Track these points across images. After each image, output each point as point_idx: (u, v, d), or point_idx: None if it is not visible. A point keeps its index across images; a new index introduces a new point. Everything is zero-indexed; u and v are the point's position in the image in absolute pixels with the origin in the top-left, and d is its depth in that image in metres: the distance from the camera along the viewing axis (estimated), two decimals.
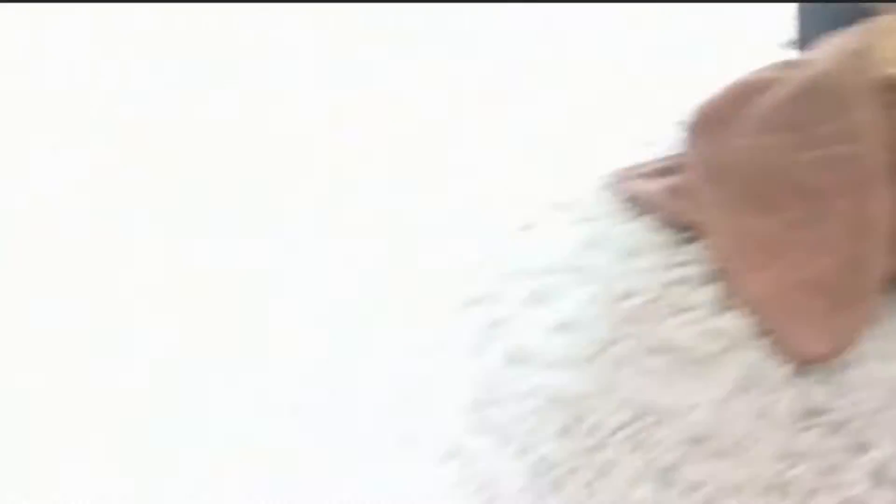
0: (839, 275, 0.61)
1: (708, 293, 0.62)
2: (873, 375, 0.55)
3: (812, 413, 0.54)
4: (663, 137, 0.79)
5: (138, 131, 0.93)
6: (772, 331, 0.59)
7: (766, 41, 0.91)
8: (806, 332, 0.58)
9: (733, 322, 0.60)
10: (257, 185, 0.83)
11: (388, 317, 0.66)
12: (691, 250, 0.67)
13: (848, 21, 0.72)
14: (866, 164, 0.62)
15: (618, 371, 0.57)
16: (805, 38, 0.90)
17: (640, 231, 0.70)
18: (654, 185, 0.74)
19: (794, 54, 0.90)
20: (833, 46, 0.71)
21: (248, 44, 1.09)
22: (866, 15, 0.72)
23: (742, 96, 0.72)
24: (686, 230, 0.69)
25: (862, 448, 0.51)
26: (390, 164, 0.85)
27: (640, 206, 0.73)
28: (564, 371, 0.58)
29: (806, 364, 0.56)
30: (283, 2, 1.14)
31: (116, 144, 0.91)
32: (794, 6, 0.89)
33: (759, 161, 0.68)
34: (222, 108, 0.97)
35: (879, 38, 0.68)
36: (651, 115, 0.85)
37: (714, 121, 0.73)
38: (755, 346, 0.58)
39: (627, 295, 0.63)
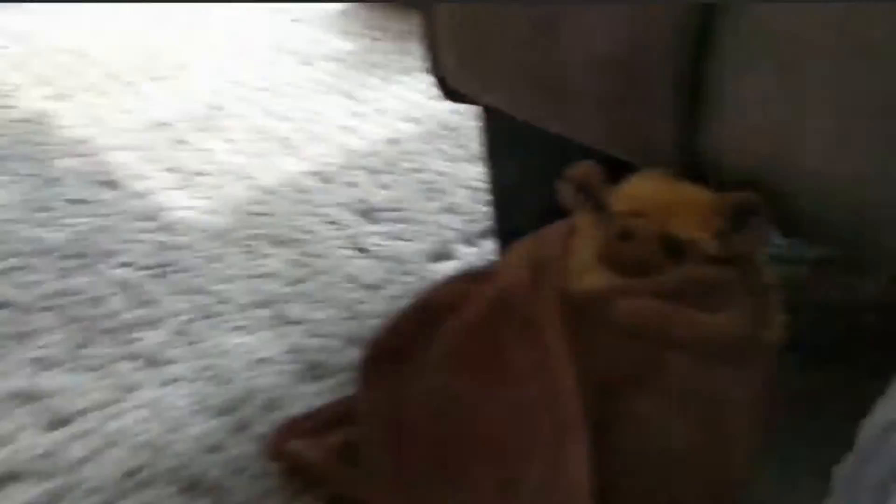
0: None
1: None
2: None
3: None
4: None
5: None
6: None
7: None
8: None
9: None
10: None
11: None
12: None
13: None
14: (561, 411, 0.50)
15: None
16: (504, 226, 0.84)
17: None
18: (318, 449, 0.60)
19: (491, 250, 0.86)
20: (525, 249, 0.60)
21: None
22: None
23: (424, 323, 0.59)
24: None
25: None
26: None
27: (302, 476, 0.59)
28: None
29: None
30: None
31: None
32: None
33: (444, 411, 0.55)
34: None
35: (578, 238, 0.59)
36: None
37: (390, 357, 0.59)
38: None
39: None
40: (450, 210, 1.00)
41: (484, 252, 0.93)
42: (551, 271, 0.58)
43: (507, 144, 0.84)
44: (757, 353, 0.54)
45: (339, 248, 0.92)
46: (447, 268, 0.90)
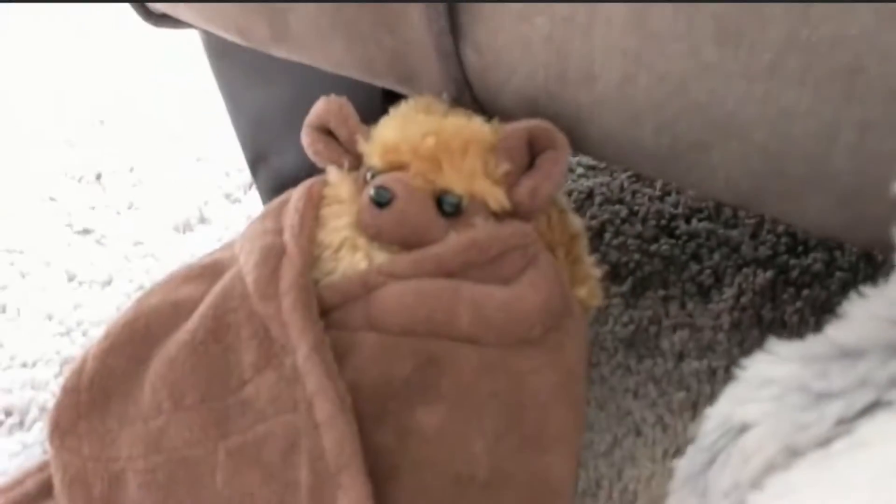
0: None
1: None
2: None
3: None
4: None
5: None
6: None
7: None
8: None
9: None
10: None
11: None
12: None
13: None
14: (326, 445, 0.37)
15: None
16: (265, 176, 0.67)
17: None
18: None
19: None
20: (267, 220, 0.45)
21: None
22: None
23: (133, 349, 0.43)
24: None
25: None
26: None
27: None
28: None
29: None
30: None
31: None
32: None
33: (165, 468, 0.40)
34: None
35: (331, 202, 0.45)
36: None
37: (89, 407, 0.42)
38: None
39: None
40: (202, 160, 0.81)
41: (250, 210, 0.75)
42: (294, 252, 0.42)
43: (246, 71, 0.65)
44: (568, 322, 0.42)
45: (55, 231, 0.71)
46: (199, 238, 0.71)
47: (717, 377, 0.55)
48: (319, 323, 0.40)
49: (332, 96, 0.47)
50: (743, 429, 0.31)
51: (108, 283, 0.64)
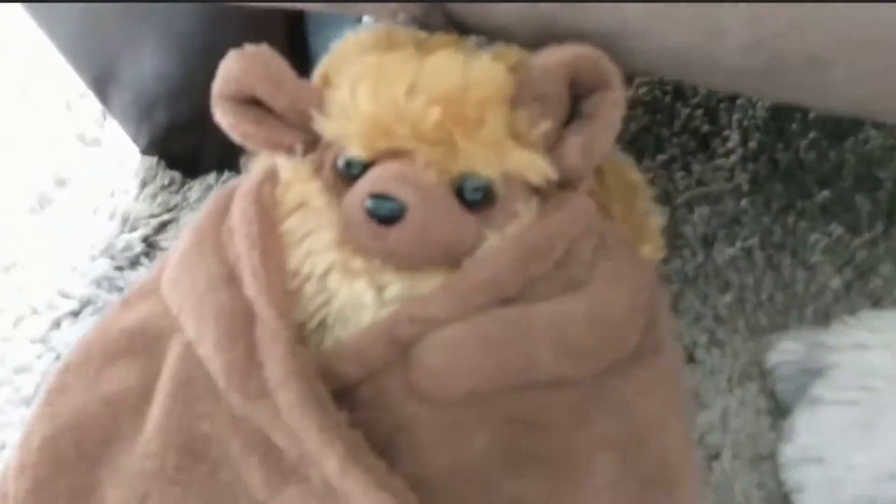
0: None
1: None
2: None
3: None
4: None
5: None
6: None
7: None
8: None
9: None
10: None
11: None
12: None
13: None
14: None
15: None
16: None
17: None
18: None
19: None
20: (204, 260, 0.32)
21: None
22: None
23: (71, 467, 0.31)
24: None
25: None
26: None
27: None
28: None
29: None
30: None
31: None
32: None
33: None
34: None
35: (291, 209, 0.31)
36: None
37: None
38: None
39: None
40: (29, 93, 0.60)
41: (116, 152, 0.57)
42: (270, 316, 0.29)
43: None
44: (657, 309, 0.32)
45: None
46: (61, 210, 0.54)
47: (756, 261, 0.47)
48: (342, 418, 0.28)
49: (247, 47, 0.31)
50: None
51: None
